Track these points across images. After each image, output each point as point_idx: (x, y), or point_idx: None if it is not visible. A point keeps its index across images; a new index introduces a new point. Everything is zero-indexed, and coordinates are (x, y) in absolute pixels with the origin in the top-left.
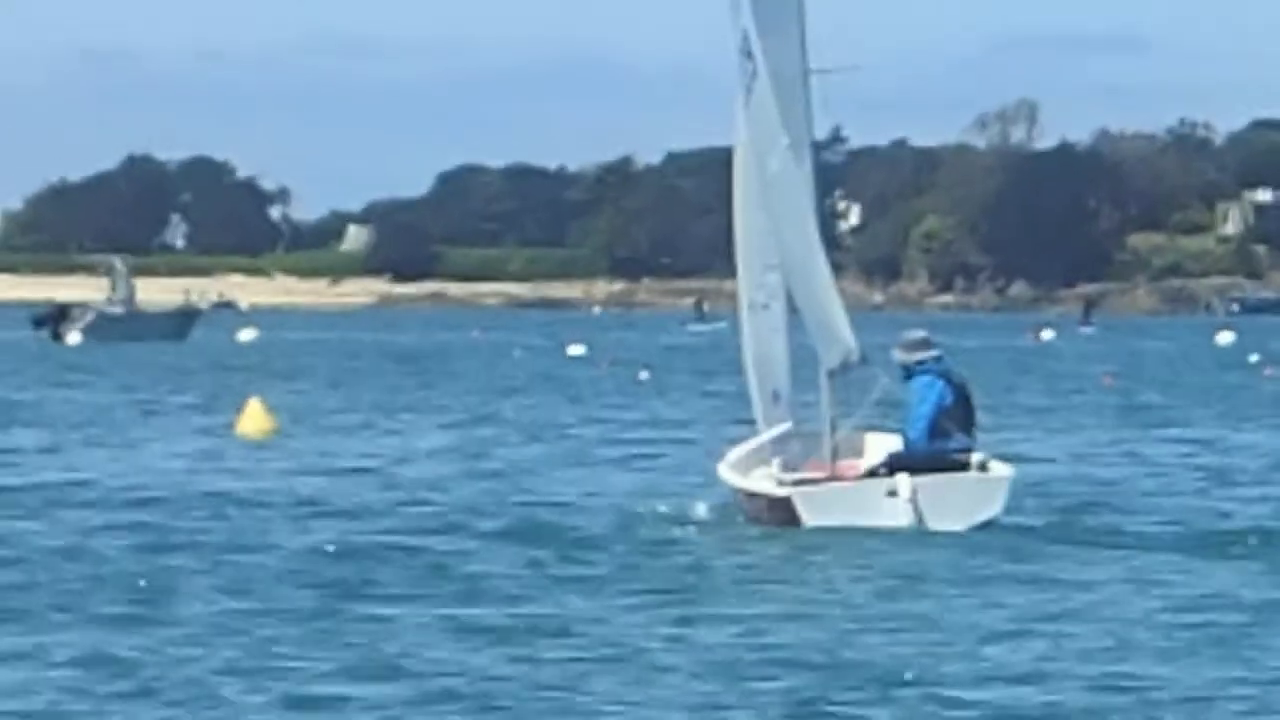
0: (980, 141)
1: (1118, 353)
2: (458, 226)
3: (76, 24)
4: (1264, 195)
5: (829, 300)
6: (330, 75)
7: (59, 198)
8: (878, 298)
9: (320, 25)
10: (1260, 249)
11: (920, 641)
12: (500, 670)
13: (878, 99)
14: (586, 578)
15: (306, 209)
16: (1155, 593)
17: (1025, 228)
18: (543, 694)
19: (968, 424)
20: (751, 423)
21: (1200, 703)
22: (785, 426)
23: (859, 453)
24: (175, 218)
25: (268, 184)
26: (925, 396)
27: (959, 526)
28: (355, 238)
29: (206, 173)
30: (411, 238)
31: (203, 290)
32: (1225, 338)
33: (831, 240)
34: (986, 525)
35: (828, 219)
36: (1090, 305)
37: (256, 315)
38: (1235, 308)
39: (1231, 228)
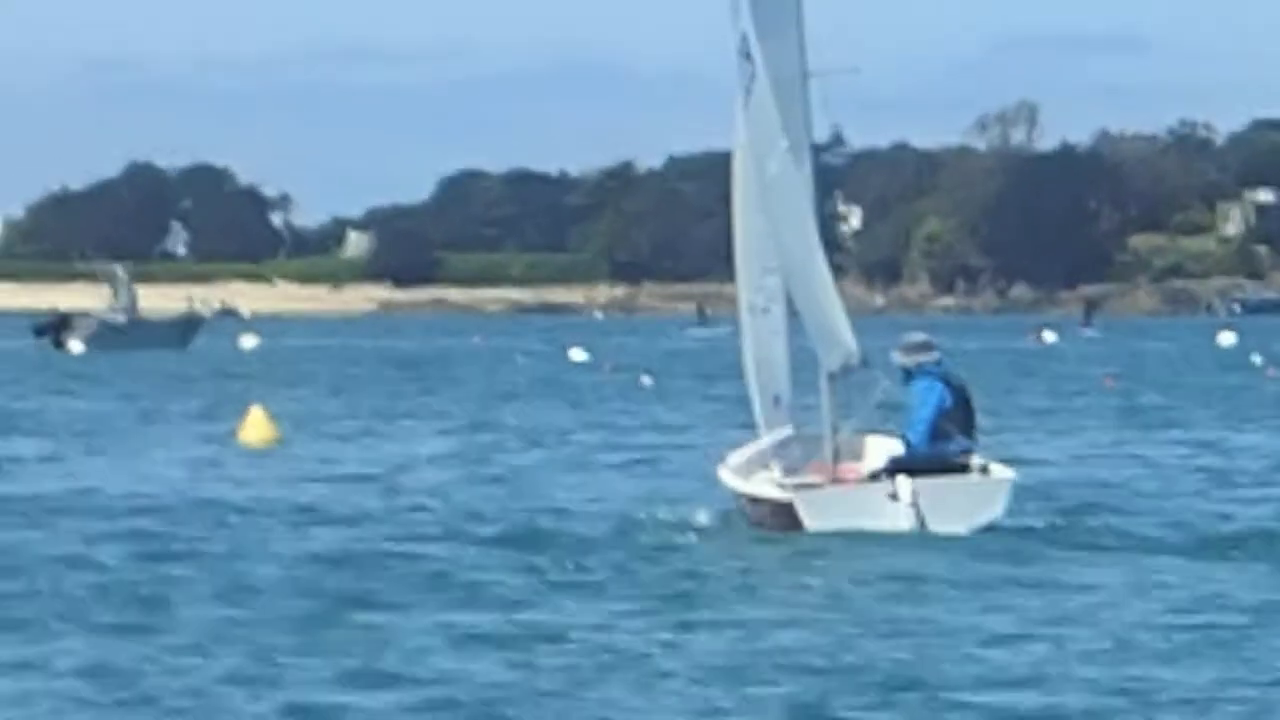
0: (981, 143)
1: (1119, 354)
2: (458, 232)
3: (77, 31)
4: (1265, 195)
5: (829, 303)
6: (330, 81)
7: (60, 206)
8: (879, 300)
9: (320, 31)
10: (1261, 249)
11: (922, 644)
12: (500, 677)
13: (878, 101)
14: (587, 584)
15: (307, 215)
16: (1157, 595)
17: (1026, 229)
18: (543, 700)
19: (968, 426)
20: (752, 427)
21: (1201, 704)
22: (786, 430)
23: (859, 456)
24: (176, 225)
25: (269, 191)
26: (925, 399)
27: (960, 529)
28: (356, 244)
29: (207, 180)
30: (412, 243)
31: (204, 298)
32: (1227, 338)
33: (832, 243)
34: (988, 528)
35: (827, 221)
36: (1091, 307)
37: (258, 322)
38: (1236, 308)
39: (1232, 228)
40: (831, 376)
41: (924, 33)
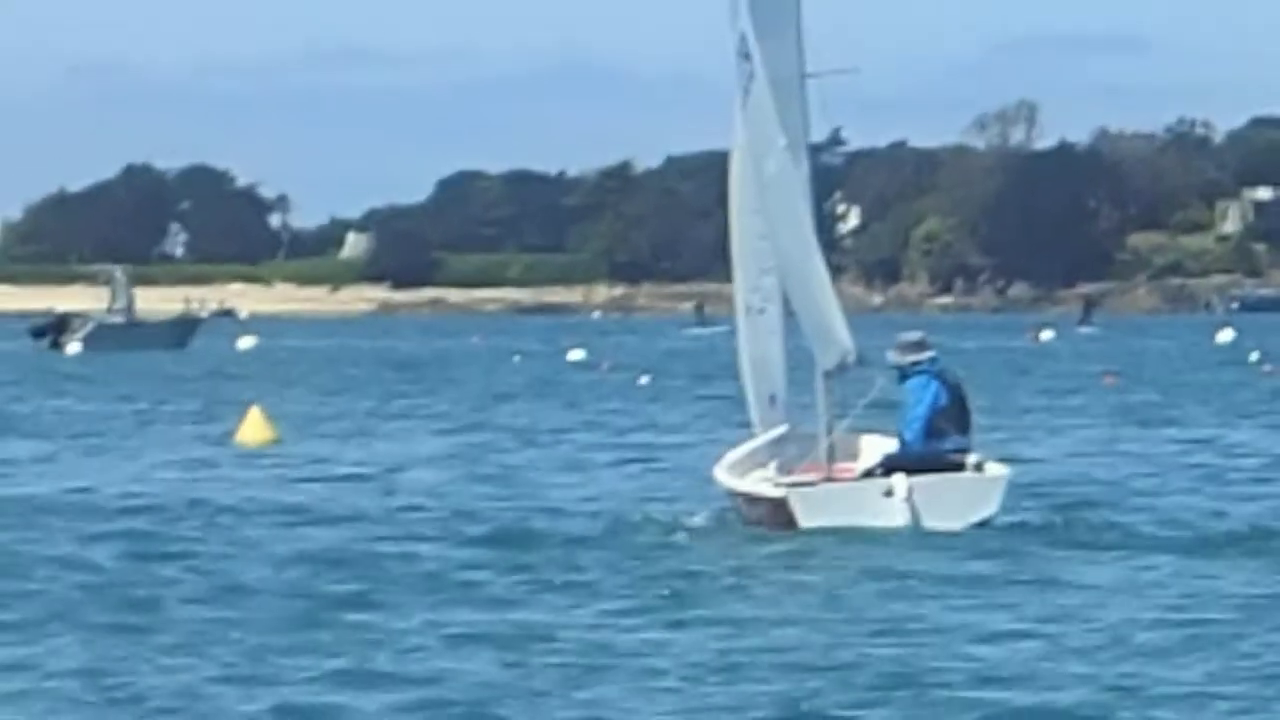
0: (980, 142)
1: (1117, 352)
2: (457, 233)
3: (75, 34)
4: (1263, 193)
5: (826, 302)
6: (328, 83)
7: (58, 208)
8: (878, 299)
9: (318, 34)
10: (1260, 247)
11: (916, 642)
12: (494, 676)
13: (877, 100)
14: (580, 583)
15: (306, 217)
16: (1152, 592)
17: (1025, 228)
18: (536, 700)
19: (963, 424)
20: (748, 426)
21: (1196, 701)
22: (782, 429)
23: (855, 455)
24: (175, 226)
25: (267, 192)
26: (920, 397)
27: (955, 526)
28: (355, 245)
29: (206, 181)
30: (411, 244)
31: (202, 299)
32: (1225, 336)
33: (830, 242)
34: (983, 525)
35: (825, 221)
36: (1090, 305)
37: (256, 323)
38: (1235, 306)
39: (1231, 226)
40: (827, 375)
41: (923, 32)
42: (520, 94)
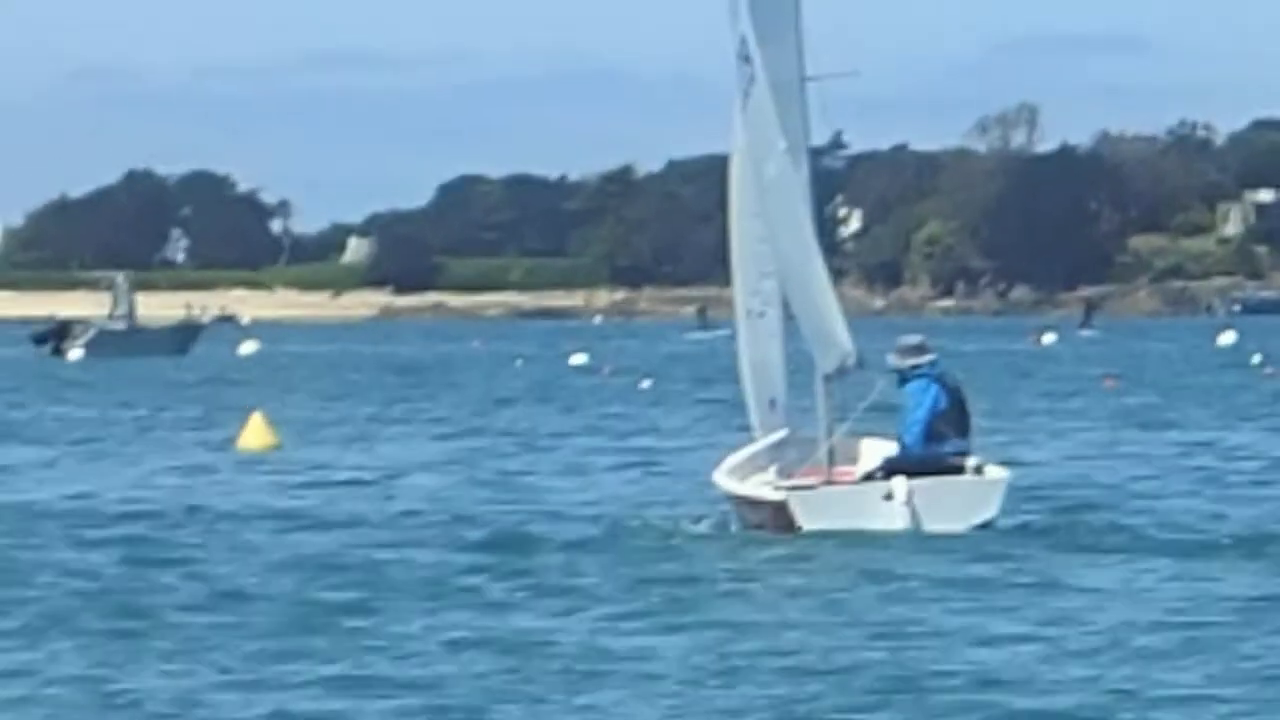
0: (981, 145)
1: (1119, 355)
2: (458, 237)
3: (76, 40)
4: (1265, 195)
5: (826, 305)
6: (329, 88)
7: (60, 214)
8: (879, 303)
9: (319, 38)
10: (1261, 249)
11: (916, 645)
12: (494, 681)
13: (878, 103)
14: (579, 587)
15: (307, 222)
16: (1153, 595)
17: (1026, 231)
18: (536, 705)
19: (963, 427)
20: (748, 429)
21: (1195, 704)
22: (782, 433)
23: (855, 458)
24: (176, 232)
25: (268, 197)
26: (920, 400)
27: (955, 529)
28: (356, 250)
29: (207, 187)
30: (412, 249)
31: (204, 305)
32: (1227, 338)
33: (831, 246)
34: (983, 528)
35: (827, 224)
36: (1091, 308)
37: (258, 329)
38: (1236, 308)
39: (1232, 228)
40: (827, 379)
41: (923, 34)
42: (521, 97)
